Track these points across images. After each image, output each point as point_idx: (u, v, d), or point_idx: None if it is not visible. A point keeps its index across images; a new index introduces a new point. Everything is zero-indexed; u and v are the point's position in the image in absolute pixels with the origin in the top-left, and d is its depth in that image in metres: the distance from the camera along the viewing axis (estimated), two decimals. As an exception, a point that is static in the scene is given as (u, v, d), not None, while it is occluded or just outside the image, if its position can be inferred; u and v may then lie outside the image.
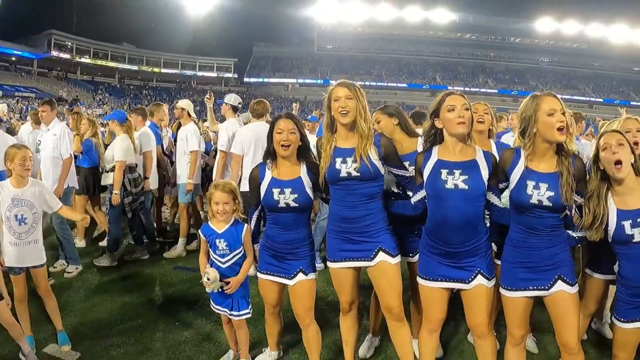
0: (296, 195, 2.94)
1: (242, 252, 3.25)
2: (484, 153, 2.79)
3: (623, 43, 67.73)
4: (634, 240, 2.54)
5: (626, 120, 3.38)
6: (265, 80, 67.20)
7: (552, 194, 2.55)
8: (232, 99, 5.78)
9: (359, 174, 2.81)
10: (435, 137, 2.83)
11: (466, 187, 2.65)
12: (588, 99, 67.10)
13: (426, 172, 2.76)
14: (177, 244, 5.98)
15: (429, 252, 2.81)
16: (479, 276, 2.74)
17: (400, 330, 3.03)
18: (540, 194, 2.55)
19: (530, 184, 2.58)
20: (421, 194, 2.85)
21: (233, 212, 3.24)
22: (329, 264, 3.03)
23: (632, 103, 62.87)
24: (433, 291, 2.81)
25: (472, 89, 64.63)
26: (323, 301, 4.29)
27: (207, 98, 6.48)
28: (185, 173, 5.93)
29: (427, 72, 68.61)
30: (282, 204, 2.94)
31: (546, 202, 2.55)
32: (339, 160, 2.83)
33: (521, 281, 2.68)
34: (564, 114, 2.52)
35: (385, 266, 2.91)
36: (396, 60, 69.41)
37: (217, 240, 3.20)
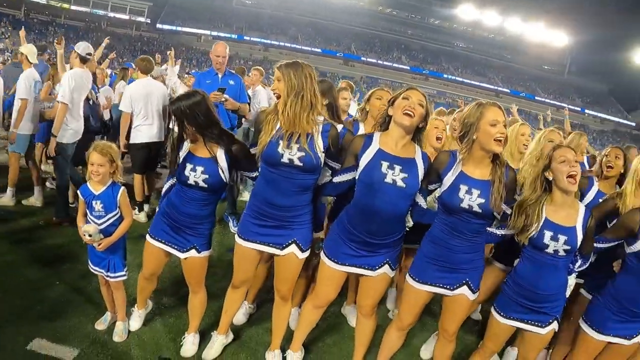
0: (207, 176, 2.94)
1: (118, 214, 3.28)
2: (422, 153, 2.88)
3: (537, 41, 73.05)
4: (546, 250, 2.73)
5: (550, 132, 3.69)
6: (179, 28, 65.08)
7: (482, 200, 2.69)
8: (80, 47, 5.49)
9: (301, 164, 2.77)
10: (387, 125, 2.89)
11: (404, 185, 2.74)
12: (495, 87, 70.43)
13: (365, 159, 2.79)
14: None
15: (345, 237, 2.89)
16: (386, 266, 2.94)
17: (284, 307, 3.21)
18: (472, 200, 2.68)
19: (464, 188, 2.70)
20: (348, 176, 2.89)
21: (110, 175, 3.25)
22: (237, 238, 3.03)
23: (536, 98, 69.72)
24: (334, 273, 2.96)
25: (384, 63, 68.35)
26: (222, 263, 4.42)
27: (57, 42, 5.96)
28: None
29: (344, 40, 69.50)
30: (191, 181, 2.94)
31: (476, 208, 2.69)
32: (282, 142, 2.76)
33: (431, 277, 2.86)
34: (505, 126, 2.67)
35: (292, 258, 2.98)
36: (314, 24, 69.96)
37: (94, 202, 3.23)
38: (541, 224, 2.75)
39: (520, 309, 2.85)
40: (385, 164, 2.74)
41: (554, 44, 74.32)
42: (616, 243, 3.02)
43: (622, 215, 3.06)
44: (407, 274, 2.96)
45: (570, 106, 59.78)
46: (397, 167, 2.74)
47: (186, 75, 7.40)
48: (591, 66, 79.29)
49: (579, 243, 2.77)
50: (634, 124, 74.60)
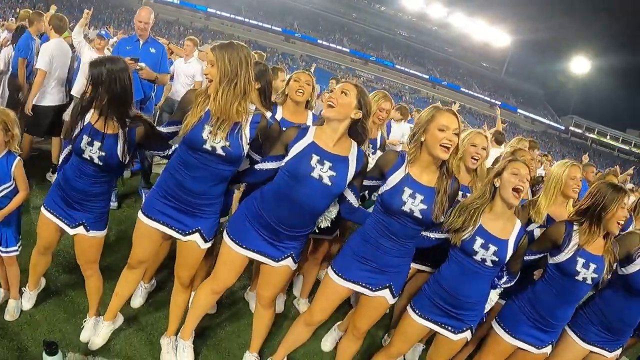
0: (103, 154, 2.79)
1: (13, 186, 3.10)
2: (358, 152, 2.80)
3: (479, 39, 76.58)
4: (474, 257, 2.73)
5: (476, 135, 3.49)
6: (120, -13, 64.57)
7: (425, 207, 2.65)
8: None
9: (223, 154, 2.70)
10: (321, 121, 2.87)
11: (329, 183, 2.68)
12: (432, 78, 72.95)
13: (294, 150, 2.72)
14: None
15: (253, 219, 2.82)
16: (290, 259, 2.89)
17: (183, 293, 3.11)
18: (414, 204, 2.64)
19: (408, 191, 2.66)
20: (273, 165, 2.82)
21: (5, 144, 3.04)
22: (140, 214, 2.90)
23: (472, 92, 72.97)
24: (236, 256, 2.87)
25: (325, 43, 69.01)
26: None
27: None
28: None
29: (287, 17, 69.73)
30: (86, 155, 2.79)
31: (417, 213, 2.65)
32: (207, 128, 2.67)
33: (355, 275, 2.81)
34: (457, 135, 2.61)
35: (194, 246, 2.91)
36: None
37: None
38: (475, 229, 2.76)
39: (438, 310, 2.86)
40: (315, 158, 2.68)
41: (495, 43, 77.78)
42: (542, 255, 3.08)
43: (548, 227, 3.13)
44: (330, 267, 2.91)
45: (503, 104, 63.59)
46: (327, 164, 2.67)
47: (96, 37, 6.77)
48: (528, 69, 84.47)
49: (507, 257, 2.79)
50: (563, 128, 79.08)
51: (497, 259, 2.74)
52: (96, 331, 3.18)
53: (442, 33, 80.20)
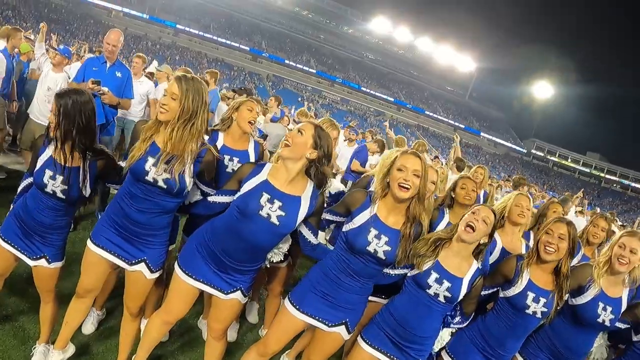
0: (66, 187, 2.81)
1: None
2: (312, 192, 2.80)
3: (444, 63, 78.69)
4: (427, 290, 2.79)
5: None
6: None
7: (389, 248, 2.70)
8: None
9: (165, 187, 2.71)
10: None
11: (277, 223, 2.68)
12: (397, 101, 75.24)
13: (247, 186, 2.73)
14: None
15: (202, 250, 2.82)
16: (239, 292, 2.87)
17: (132, 323, 3.12)
18: (379, 245, 2.69)
19: (374, 231, 2.69)
20: (225, 199, 2.87)
21: None
22: (88, 242, 2.90)
23: (436, 115, 75.16)
24: (186, 287, 2.85)
25: (292, 63, 69.14)
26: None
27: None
28: None
29: (255, 36, 69.88)
30: (49, 190, 2.80)
31: (380, 254, 2.70)
32: (151, 160, 2.68)
33: (312, 308, 2.82)
34: (418, 176, 2.66)
35: (140, 277, 2.92)
36: (228, 16, 69.75)
37: None
38: (432, 263, 2.82)
39: (387, 341, 2.88)
40: (265, 196, 2.69)
41: (460, 68, 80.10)
42: (496, 289, 3.14)
43: (500, 262, 3.23)
44: (287, 298, 2.92)
45: (467, 127, 65.89)
46: (277, 203, 2.69)
47: (50, 49, 6.76)
48: (492, 93, 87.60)
49: (461, 295, 2.84)
50: (525, 151, 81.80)
51: (450, 296, 2.80)
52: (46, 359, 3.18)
53: (408, 57, 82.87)
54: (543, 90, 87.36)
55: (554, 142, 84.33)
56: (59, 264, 3.06)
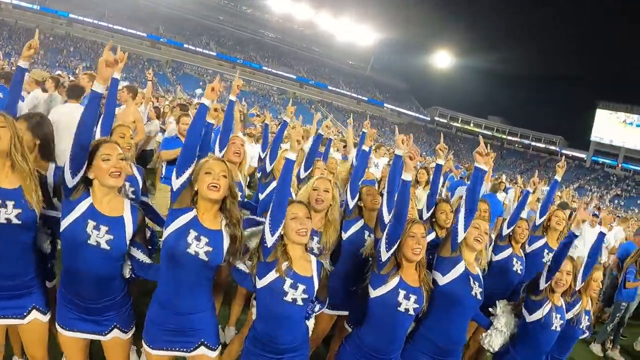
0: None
1: None
2: (131, 208, 3.00)
3: (345, 38, 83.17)
4: (284, 298, 3.03)
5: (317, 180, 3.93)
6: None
7: (210, 249, 2.88)
8: None
9: (19, 222, 2.82)
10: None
11: (108, 248, 2.83)
12: (299, 78, 79.15)
13: (70, 217, 2.81)
14: None
15: (67, 302, 2.94)
16: (116, 330, 3.05)
17: None
18: (199, 246, 2.86)
19: (193, 233, 2.86)
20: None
21: None
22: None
23: (339, 90, 79.46)
24: (70, 340, 3.01)
25: (192, 47, 70.34)
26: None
27: None
28: None
29: (152, 21, 69.52)
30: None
31: (202, 256, 2.86)
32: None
33: (165, 342, 2.96)
34: (225, 177, 2.95)
35: (34, 324, 3.05)
36: (122, 2, 67.82)
37: None
38: (284, 269, 3.03)
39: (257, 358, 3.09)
40: (91, 224, 2.77)
41: (360, 41, 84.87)
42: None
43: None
44: (143, 341, 3.00)
45: (370, 99, 73.90)
46: (104, 228, 2.80)
47: None
48: (393, 64, 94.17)
49: (315, 292, 3.14)
50: (428, 118, 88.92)
51: (306, 296, 3.05)
52: None
53: (309, 33, 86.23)
54: (443, 59, 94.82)
55: (456, 109, 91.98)
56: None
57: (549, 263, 4.02)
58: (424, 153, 40.30)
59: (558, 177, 5.12)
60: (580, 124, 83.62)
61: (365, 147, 4.68)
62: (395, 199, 3.48)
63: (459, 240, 3.62)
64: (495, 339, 4.11)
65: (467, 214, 3.56)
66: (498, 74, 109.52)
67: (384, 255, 3.35)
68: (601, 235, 4.25)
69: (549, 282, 3.99)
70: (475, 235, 3.64)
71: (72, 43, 60.45)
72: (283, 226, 3.12)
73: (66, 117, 5.72)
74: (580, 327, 4.31)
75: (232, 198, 3.08)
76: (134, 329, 3.20)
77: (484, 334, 4.15)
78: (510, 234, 5.10)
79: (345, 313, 4.12)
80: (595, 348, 7.99)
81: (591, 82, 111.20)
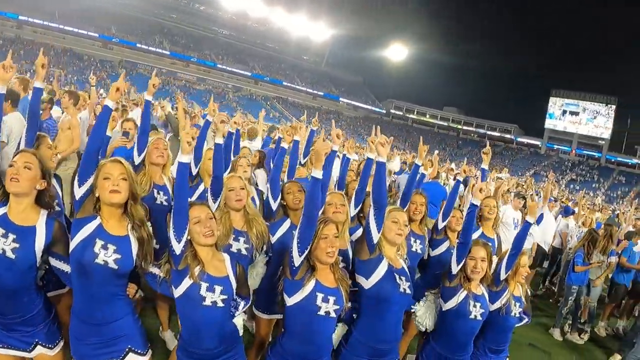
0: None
1: None
2: (47, 220, 2.99)
3: (299, 34, 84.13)
4: (204, 303, 3.08)
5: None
6: None
7: (119, 256, 2.90)
8: None
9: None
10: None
11: (13, 256, 2.81)
12: (255, 75, 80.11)
13: None
14: None
15: None
16: (39, 347, 3.04)
17: None
18: (107, 255, 2.88)
19: (99, 242, 2.88)
20: None
21: None
22: None
23: (295, 85, 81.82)
24: (2, 356, 3.00)
25: (145, 47, 70.17)
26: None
27: None
28: None
29: (103, 21, 67.82)
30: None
31: (112, 264, 2.90)
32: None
33: (91, 356, 3.00)
34: (125, 179, 3.00)
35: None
36: (73, 2, 65.24)
37: None
38: (197, 274, 3.05)
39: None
40: (1, 231, 2.79)
41: (315, 37, 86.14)
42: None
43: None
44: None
45: (326, 94, 75.46)
46: (11, 236, 2.81)
47: None
48: (348, 59, 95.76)
49: (235, 290, 3.19)
50: (384, 111, 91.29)
51: (225, 297, 3.10)
52: None
53: (263, 30, 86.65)
54: (398, 52, 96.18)
55: (412, 101, 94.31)
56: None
57: (459, 249, 4.01)
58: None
59: (485, 166, 5.05)
60: (534, 113, 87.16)
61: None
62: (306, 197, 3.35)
63: (375, 241, 3.58)
64: (424, 318, 4.24)
65: (377, 213, 3.55)
66: (453, 66, 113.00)
67: (297, 260, 3.26)
68: (527, 225, 4.19)
69: (461, 268, 4.00)
70: (396, 230, 3.63)
71: (22, 46, 58.79)
72: (188, 231, 3.12)
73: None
74: (512, 315, 4.22)
75: (133, 200, 3.07)
76: (61, 343, 3.19)
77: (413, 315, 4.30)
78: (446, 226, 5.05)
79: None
80: (555, 333, 8.33)
81: (545, 72, 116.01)
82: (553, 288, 11.22)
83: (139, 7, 74.96)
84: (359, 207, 4.64)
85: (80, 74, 52.36)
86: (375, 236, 3.59)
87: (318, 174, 3.24)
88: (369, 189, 4.22)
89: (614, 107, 76.72)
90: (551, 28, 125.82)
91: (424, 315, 4.26)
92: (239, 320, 3.43)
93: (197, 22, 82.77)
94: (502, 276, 4.23)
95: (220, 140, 3.97)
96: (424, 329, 4.28)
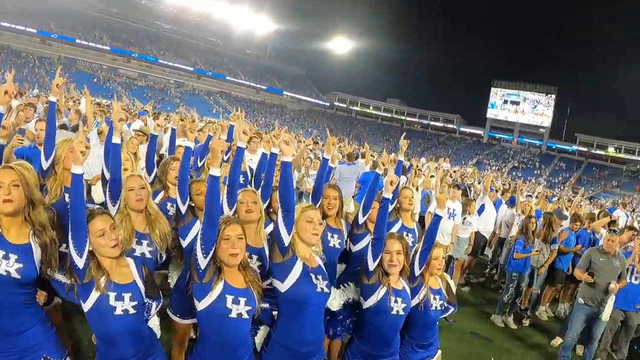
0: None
1: None
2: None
3: (242, 27, 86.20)
4: (115, 313, 3.07)
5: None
6: None
7: (21, 265, 2.90)
8: None
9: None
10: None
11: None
12: (197, 70, 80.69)
13: None
14: None
15: None
16: None
17: None
18: (9, 265, 2.88)
19: (0, 253, 2.88)
20: None
21: None
22: None
23: (238, 80, 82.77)
24: None
25: (84, 43, 69.58)
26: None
27: None
28: None
29: (42, 17, 67.04)
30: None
31: (14, 274, 2.88)
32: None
33: None
34: (16, 185, 2.97)
35: None
36: None
37: None
38: (103, 285, 3.01)
39: None
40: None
41: (258, 30, 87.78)
42: None
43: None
44: None
45: (269, 87, 77.30)
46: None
47: None
48: (291, 52, 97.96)
49: (144, 294, 3.17)
50: (327, 104, 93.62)
51: (136, 302, 3.12)
52: None
53: (205, 24, 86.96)
54: (341, 45, 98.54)
55: (355, 93, 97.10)
56: None
57: (373, 245, 3.93)
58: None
59: (400, 157, 4.98)
60: (477, 103, 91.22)
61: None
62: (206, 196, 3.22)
63: (287, 244, 3.47)
64: (331, 299, 4.13)
65: (285, 215, 3.44)
66: (396, 58, 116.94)
67: (202, 262, 3.15)
68: (437, 218, 4.13)
69: (377, 263, 3.90)
70: (311, 230, 3.54)
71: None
72: (90, 243, 3.05)
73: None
74: (432, 309, 4.20)
75: (30, 206, 3.03)
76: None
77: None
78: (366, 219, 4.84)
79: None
80: (497, 320, 8.41)
81: (486, 63, 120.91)
82: (495, 276, 11.48)
83: (78, 2, 74.20)
84: (266, 203, 4.61)
85: (18, 71, 51.25)
86: (286, 239, 3.48)
87: (215, 172, 3.22)
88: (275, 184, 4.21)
89: (553, 96, 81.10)
90: (492, 20, 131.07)
91: (333, 299, 4.23)
92: (155, 322, 3.43)
93: (138, 17, 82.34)
94: (417, 272, 4.16)
95: (118, 140, 3.87)
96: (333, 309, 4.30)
